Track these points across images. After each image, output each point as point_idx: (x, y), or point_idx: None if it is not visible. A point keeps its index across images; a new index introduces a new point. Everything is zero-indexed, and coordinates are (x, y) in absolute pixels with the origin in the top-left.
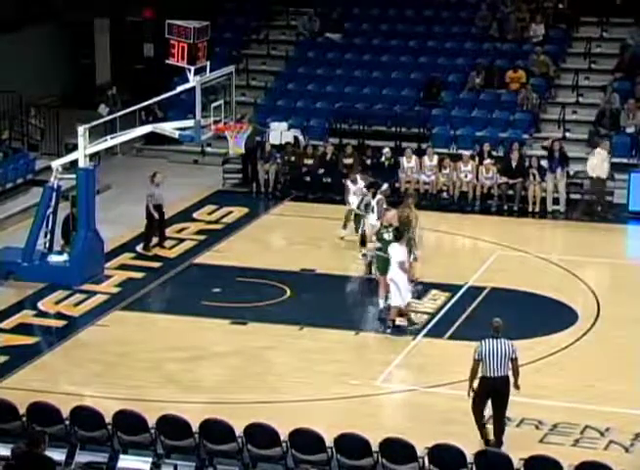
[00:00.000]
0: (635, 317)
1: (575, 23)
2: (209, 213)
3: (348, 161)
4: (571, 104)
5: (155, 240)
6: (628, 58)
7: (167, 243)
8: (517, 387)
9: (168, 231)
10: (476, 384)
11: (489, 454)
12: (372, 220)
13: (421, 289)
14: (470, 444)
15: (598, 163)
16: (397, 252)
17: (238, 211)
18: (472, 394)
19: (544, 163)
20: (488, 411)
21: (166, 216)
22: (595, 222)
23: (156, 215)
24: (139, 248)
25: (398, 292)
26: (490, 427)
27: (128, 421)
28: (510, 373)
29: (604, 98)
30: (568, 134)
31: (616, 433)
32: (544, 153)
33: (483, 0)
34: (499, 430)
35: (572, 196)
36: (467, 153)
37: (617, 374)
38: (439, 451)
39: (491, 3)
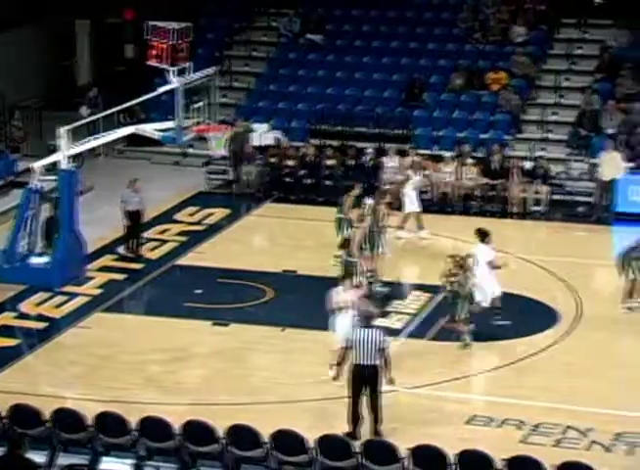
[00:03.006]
0: (616, 318)
1: (556, 24)
2: (191, 215)
3: (330, 162)
4: (551, 105)
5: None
6: (608, 59)
7: (149, 244)
8: (389, 379)
9: (150, 232)
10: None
11: (471, 455)
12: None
13: (388, 291)
14: (452, 445)
15: (615, 164)
16: (484, 252)
17: (219, 213)
18: (337, 379)
19: (525, 163)
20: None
21: (148, 218)
22: (578, 223)
23: (124, 222)
24: (121, 249)
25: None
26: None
27: (110, 423)
28: (379, 363)
29: (584, 99)
30: (548, 135)
31: (597, 433)
32: (526, 153)
33: (465, 2)
34: (374, 419)
35: (554, 197)
36: (448, 154)
37: (598, 374)
38: (422, 452)
39: (473, 5)
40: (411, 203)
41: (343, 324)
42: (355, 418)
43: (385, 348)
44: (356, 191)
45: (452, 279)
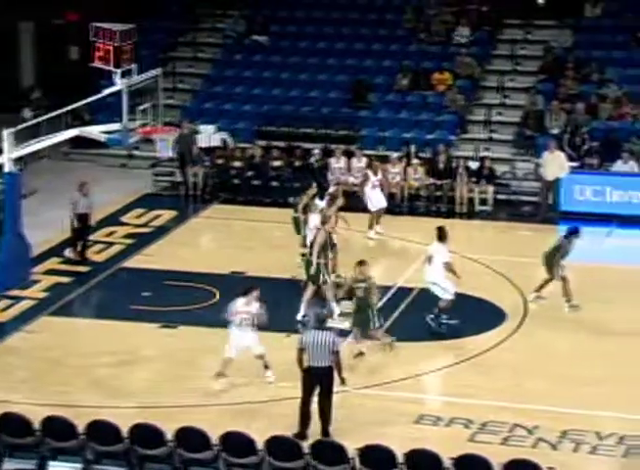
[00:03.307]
0: (562, 316)
1: (500, 25)
2: (138, 217)
3: (277, 163)
4: (496, 105)
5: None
6: (551, 60)
7: (95, 247)
8: (341, 380)
9: (97, 235)
10: None
11: (420, 455)
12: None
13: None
14: (401, 444)
15: (559, 164)
16: (441, 251)
17: (166, 215)
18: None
19: (471, 163)
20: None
21: (94, 221)
22: (524, 223)
23: (75, 224)
24: (66, 252)
25: (443, 290)
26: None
27: (57, 427)
28: (332, 365)
29: (528, 99)
30: (493, 135)
31: (543, 430)
32: (471, 153)
33: (409, 3)
34: (323, 420)
35: (499, 196)
36: (395, 154)
37: (544, 372)
38: (370, 452)
39: (416, 6)
40: (370, 203)
41: (236, 335)
42: (305, 419)
43: (337, 350)
44: (313, 190)
45: (358, 285)
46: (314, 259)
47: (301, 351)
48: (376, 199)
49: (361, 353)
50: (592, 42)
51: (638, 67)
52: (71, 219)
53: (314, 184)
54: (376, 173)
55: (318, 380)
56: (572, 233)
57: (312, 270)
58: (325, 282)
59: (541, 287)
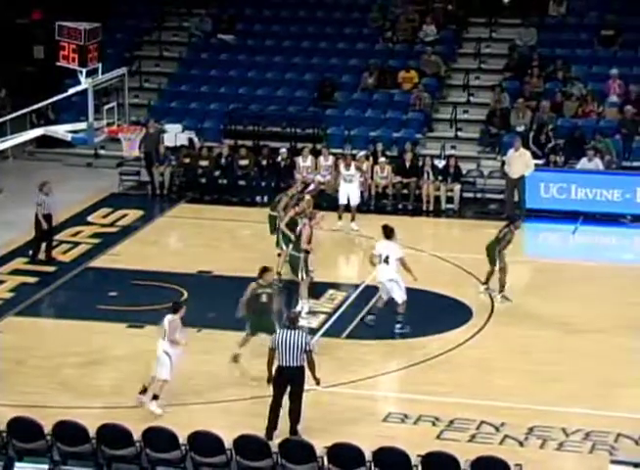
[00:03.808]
0: (528, 313)
1: (465, 23)
2: (104, 217)
3: (244, 162)
4: (462, 103)
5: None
6: (517, 58)
7: (62, 247)
8: (315, 380)
9: (62, 235)
10: None
11: (387, 452)
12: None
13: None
14: (369, 442)
15: (524, 162)
16: (393, 249)
17: (133, 214)
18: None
19: (437, 162)
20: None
21: (61, 220)
22: (490, 220)
23: (44, 225)
24: (40, 254)
25: (399, 286)
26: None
27: (23, 428)
28: (304, 364)
29: (493, 97)
30: (459, 133)
31: (510, 427)
32: (437, 151)
33: (375, 1)
34: (292, 419)
35: (465, 194)
36: (361, 153)
37: (510, 369)
38: (338, 451)
39: (382, 4)
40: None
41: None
42: (273, 418)
43: (309, 349)
44: (293, 190)
45: (262, 291)
46: (297, 253)
47: (272, 351)
48: (341, 193)
49: (236, 357)
50: (557, 40)
51: (602, 65)
52: (39, 221)
53: (297, 184)
54: (348, 168)
55: (289, 380)
56: (512, 222)
57: (296, 264)
58: (302, 278)
59: (487, 279)
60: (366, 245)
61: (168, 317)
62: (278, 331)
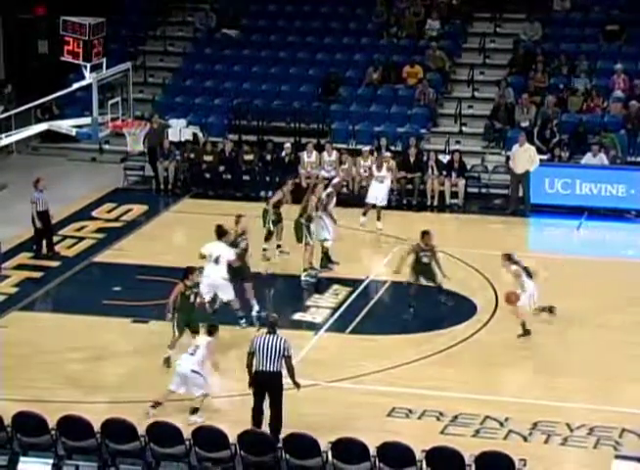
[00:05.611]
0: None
1: (470, 18)
2: (108, 212)
3: (248, 157)
4: (466, 98)
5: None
6: (521, 53)
7: (66, 242)
8: (295, 385)
9: (67, 230)
10: None
11: (392, 447)
12: None
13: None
14: (374, 437)
15: (529, 157)
16: (224, 250)
17: (137, 209)
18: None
19: (442, 157)
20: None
21: (65, 214)
22: (494, 215)
23: (38, 224)
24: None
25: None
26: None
27: (28, 423)
28: (284, 370)
29: (498, 92)
30: (464, 128)
31: (514, 423)
32: (442, 147)
33: None
34: (272, 429)
35: (470, 190)
36: (366, 148)
37: (514, 364)
38: (343, 445)
39: None
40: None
41: None
42: (256, 423)
43: (288, 355)
44: (289, 186)
45: (187, 292)
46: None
47: (251, 355)
48: (371, 193)
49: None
50: (561, 35)
51: (607, 60)
52: (34, 219)
53: (294, 180)
54: (380, 169)
55: (265, 385)
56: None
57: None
58: (307, 244)
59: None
60: (370, 240)
61: (206, 339)
62: (258, 336)
